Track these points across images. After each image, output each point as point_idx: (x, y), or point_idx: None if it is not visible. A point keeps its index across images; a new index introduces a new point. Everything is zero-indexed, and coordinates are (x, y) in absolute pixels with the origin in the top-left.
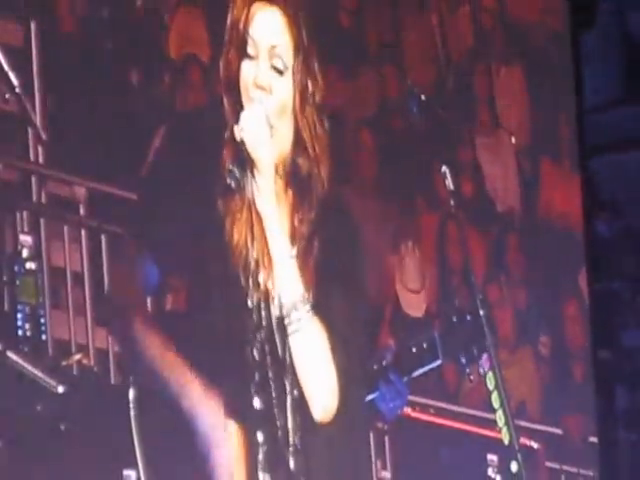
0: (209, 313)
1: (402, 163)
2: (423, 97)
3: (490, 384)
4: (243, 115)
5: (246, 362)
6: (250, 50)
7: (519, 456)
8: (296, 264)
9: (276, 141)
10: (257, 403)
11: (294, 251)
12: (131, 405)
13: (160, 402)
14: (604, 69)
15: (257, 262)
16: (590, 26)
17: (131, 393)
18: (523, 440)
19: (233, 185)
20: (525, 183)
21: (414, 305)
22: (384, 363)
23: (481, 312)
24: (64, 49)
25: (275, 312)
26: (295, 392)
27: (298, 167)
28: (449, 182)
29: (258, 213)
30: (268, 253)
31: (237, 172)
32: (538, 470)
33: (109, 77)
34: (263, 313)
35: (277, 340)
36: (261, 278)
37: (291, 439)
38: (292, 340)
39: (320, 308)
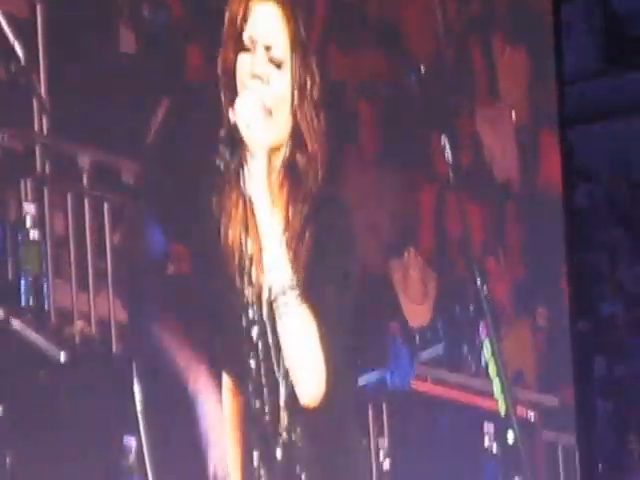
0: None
1: (401, 135)
2: (422, 68)
3: (487, 352)
4: (238, 100)
5: (240, 359)
6: (247, 43)
7: (515, 426)
8: (286, 251)
9: (273, 130)
10: (251, 401)
11: (284, 239)
12: (135, 378)
13: (165, 379)
14: (585, 40)
15: (251, 259)
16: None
17: (134, 366)
18: (520, 410)
19: (222, 167)
20: (524, 154)
21: (419, 316)
22: (395, 340)
23: (478, 281)
24: (69, 19)
25: (266, 308)
26: (288, 386)
27: (295, 160)
28: (448, 154)
29: (252, 203)
30: (262, 251)
31: (227, 154)
32: (534, 440)
33: (114, 47)
34: (256, 309)
35: (268, 333)
36: (254, 275)
37: (284, 435)
38: (279, 324)
39: (309, 296)
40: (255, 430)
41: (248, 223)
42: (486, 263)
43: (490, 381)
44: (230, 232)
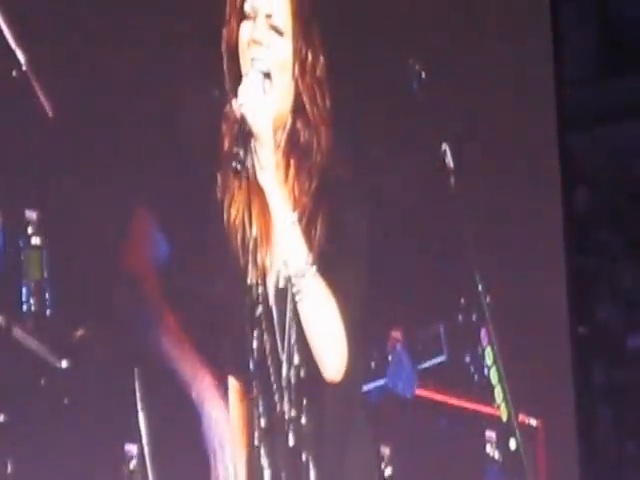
0: (210, 290)
1: (403, 141)
2: (423, 74)
3: (489, 359)
4: (240, 89)
5: (245, 340)
6: (248, 11)
7: (517, 433)
8: (298, 230)
9: (275, 99)
10: (255, 382)
11: (295, 217)
12: (137, 385)
13: (166, 385)
14: (583, 44)
15: (255, 240)
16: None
17: (136, 373)
18: (522, 417)
19: (239, 168)
20: (524, 158)
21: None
22: (397, 348)
23: (480, 287)
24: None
25: (272, 289)
26: (292, 369)
27: (297, 133)
28: (449, 160)
29: (257, 186)
30: (267, 229)
31: (241, 154)
32: (536, 446)
33: (114, 56)
34: (260, 291)
35: (275, 317)
36: (259, 256)
37: (288, 414)
38: (301, 305)
39: (324, 272)
40: (258, 412)
41: (252, 204)
42: (488, 268)
43: (492, 388)
44: (233, 213)
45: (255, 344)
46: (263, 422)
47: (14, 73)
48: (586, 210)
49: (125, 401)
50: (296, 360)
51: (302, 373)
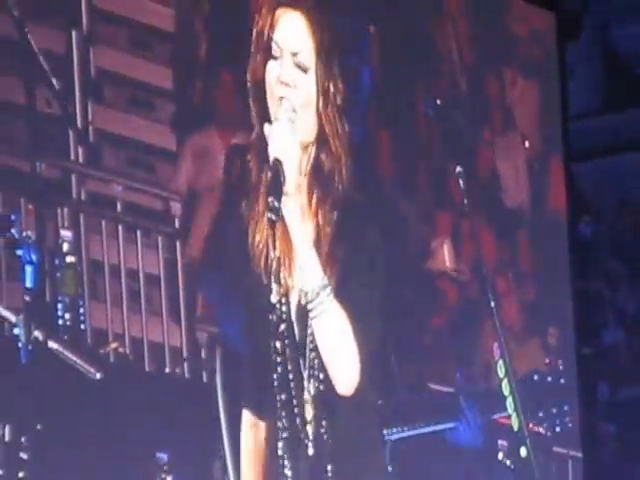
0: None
1: (418, 164)
2: (439, 101)
3: (500, 372)
4: (272, 135)
5: (268, 356)
6: (275, 52)
7: (528, 441)
8: (314, 254)
9: (300, 133)
10: (277, 395)
11: (315, 242)
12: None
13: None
14: (588, 79)
15: (278, 260)
16: (575, 38)
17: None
18: (532, 426)
19: (274, 218)
20: (534, 182)
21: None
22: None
23: (492, 304)
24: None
25: (294, 307)
26: (313, 383)
27: (321, 163)
28: (463, 181)
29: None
30: (289, 252)
31: (276, 204)
32: (546, 455)
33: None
34: (284, 308)
35: (296, 334)
36: (282, 276)
37: (309, 427)
38: (315, 323)
39: (340, 295)
40: (282, 424)
41: (275, 227)
42: (498, 285)
43: (503, 398)
44: (258, 237)
45: (279, 359)
46: (286, 434)
47: (50, 99)
48: (591, 237)
49: (156, 411)
50: (319, 375)
51: (323, 387)
